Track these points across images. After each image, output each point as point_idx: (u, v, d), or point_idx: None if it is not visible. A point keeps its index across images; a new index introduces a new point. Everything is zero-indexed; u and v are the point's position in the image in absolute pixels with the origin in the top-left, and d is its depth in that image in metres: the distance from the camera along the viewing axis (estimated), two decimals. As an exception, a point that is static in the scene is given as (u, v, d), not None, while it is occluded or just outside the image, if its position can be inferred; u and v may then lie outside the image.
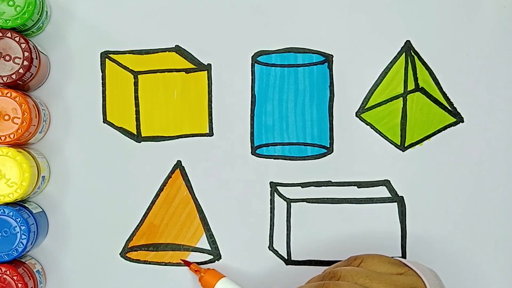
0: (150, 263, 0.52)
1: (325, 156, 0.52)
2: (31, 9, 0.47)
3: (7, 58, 0.47)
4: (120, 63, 0.52)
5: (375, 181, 0.52)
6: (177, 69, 0.52)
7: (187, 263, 0.51)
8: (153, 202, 0.52)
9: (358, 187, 0.52)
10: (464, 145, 0.52)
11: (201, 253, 0.52)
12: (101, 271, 0.51)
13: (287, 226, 0.52)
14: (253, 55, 0.52)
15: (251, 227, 0.52)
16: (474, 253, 0.52)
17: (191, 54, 0.52)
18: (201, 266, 0.51)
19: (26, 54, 0.47)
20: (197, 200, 0.52)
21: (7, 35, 0.47)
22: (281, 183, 0.52)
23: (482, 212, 0.52)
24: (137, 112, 0.52)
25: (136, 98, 0.52)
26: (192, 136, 0.52)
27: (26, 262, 0.49)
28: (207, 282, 0.48)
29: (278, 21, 0.52)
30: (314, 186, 0.52)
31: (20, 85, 0.48)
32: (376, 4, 0.52)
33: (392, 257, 0.45)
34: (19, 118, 0.47)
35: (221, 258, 0.52)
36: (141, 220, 0.52)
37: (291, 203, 0.52)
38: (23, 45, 0.47)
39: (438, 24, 0.52)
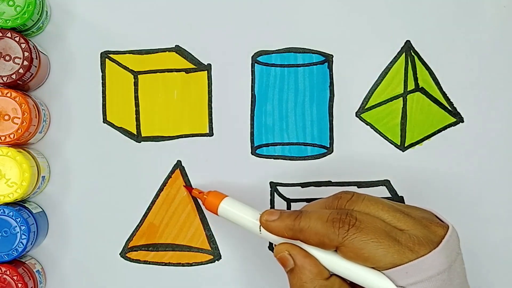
0: (150, 263, 0.52)
1: (325, 156, 0.52)
2: (31, 9, 0.47)
3: (7, 58, 0.47)
4: (120, 63, 0.52)
5: (375, 181, 0.52)
6: (177, 69, 0.52)
7: (188, 189, 0.50)
8: (153, 202, 0.52)
9: (358, 187, 0.52)
10: (464, 145, 0.52)
11: (201, 253, 0.52)
12: (101, 271, 0.51)
13: (287, 226, 0.52)
14: (253, 55, 0.52)
15: (251, 227, 0.52)
16: (474, 253, 0.52)
17: (191, 54, 0.52)
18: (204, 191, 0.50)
19: (26, 54, 0.47)
20: (197, 200, 0.52)
21: (7, 35, 0.47)
22: (281, 183, 0.52)
23: (482, 212, 0.52)
24: (137, 112, 0.52)
25: (136, 98, 0.52)
26: (192, 136, 0.52)
27: (26, 262, 0.49)
28: (211, 203, 0.47)
29: (278, 21, 0.52)
30: (314, 186, 0.52)
31: (20, 85, 0.48)
32: (376, 4, 0.52)
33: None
34: (19, 118, 0.47)
35: (221, 258, 0.52)
36: (141, 220, 0.52)
37: (291, 203, 0.52)
38: (23, 45, 0.47)
39: (438, 24, 0.52)
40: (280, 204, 0.52)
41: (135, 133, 0.52)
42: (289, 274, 0.43)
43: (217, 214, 0.47)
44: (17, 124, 0.47)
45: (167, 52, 0.52)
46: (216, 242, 0.52)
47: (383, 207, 0.41)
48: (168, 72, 0.52)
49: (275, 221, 0.43)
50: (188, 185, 0.52)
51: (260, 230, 0.44)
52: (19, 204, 0.49)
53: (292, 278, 0.42)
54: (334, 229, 0.40)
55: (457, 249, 0.41)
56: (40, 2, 0.48)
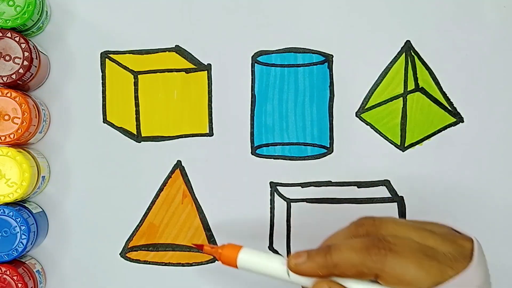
0: (150, 263, 0.52)
1: (325, 156, 0.52)
2: (31, 9, 0.47)
3: (7, 58, 0.47)
4: (120, 63, 0.52)
5: (375, 181, 0.52)
6: (177, 69, 0.52)
7: (199, 246, 0.48)
8: (153, 202, 0.52)
9: (358, 187, 0.52)
10: (464, 145, 0.52)
11: (201, 253, 0.52)
12: (101, 271, 0.51)
13: (287, 226, 0.52)
14: (253, 55, 0.52)
15: (251, 227, 0.52)
16: (474, 253, 0.52)
17: (191, 54, 0.52)
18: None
19: (26, 54, 0.47)
20: (197, 200, 0.52)
21: (7, 35, 0.47)
22: (281, 183, 0.52)
23: (482, 212, 0.52)
24: (137, 112, 0.52)
25: (136, 98, 0.52)
26: (192, 136, 0.52)
27: (26, 262, 0.49)
28: (227, 257, 0.43)
29: (278, 21, 0.52)
30: (314, 186, 0.52)
31: (20, 85, 0.48)
32: (376, 4, 0.52)
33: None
34: (19, 118, 0.47)
35: (221, 258, 0.52)
36: (141, 220, 0.52)
37: (291, 203, 0.52)
38: (23, 45, 0.47)
39: (438, 24, 0.52)
40: (280, 204, 0.52)
41: (135, 133, 0.52)
42: None
43: (236, 267, 0.43)
44: (17, 124, 0.47)
45: (167, 52, 0.52)
46: (216, 242, 0.52)
47: (408, 227, 0.40)
48: (168, 72, 0.52)
49: (305, 263, 0.41)
50: (190, 191, 0.52)
51: (289, 275, 0.42)
52: (19, 204, 0.49)
53: None
54: (371, 256, 0.38)
55: (485, 258, 0.40)
56: (40, 2, 0.48)
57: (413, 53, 0.52)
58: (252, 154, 0.52)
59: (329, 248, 0.40)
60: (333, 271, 0.40)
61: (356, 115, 0.52)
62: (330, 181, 0.52)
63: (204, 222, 0.52)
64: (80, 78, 0.51)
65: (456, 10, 0.52)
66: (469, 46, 0.52)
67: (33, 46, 0.48)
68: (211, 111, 0.52)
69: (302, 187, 0.52)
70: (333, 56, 0.52)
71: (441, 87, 0.52)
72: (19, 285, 0.47)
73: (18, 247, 0.47)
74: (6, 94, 0.47)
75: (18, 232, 0.47)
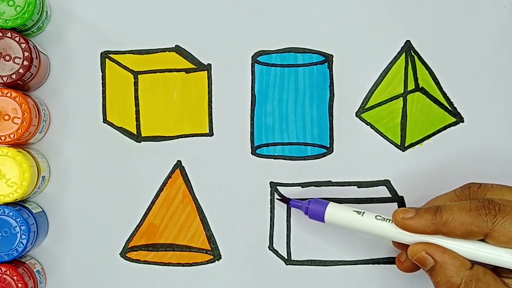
0: (150, 263, 0.52)
1: (325, 156, 0.52)
2: (31, 9, 0.47)
3: (7, 58, 0.47)
4: (120, 63, 0.52)
5: (375, 181, 0.52)
6: (177, 69, 0.52)
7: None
8: (153, 202, 0.52)
9: (358, 187, 0.52)
10: (464, 145, 0.52)
11: (201, 253, 0.52)
12: (101, 271, 0.51)
13: (287, 226, 0.52)
14: (253, 55, 0.52)
15: (251, 227, 0.52)
16: (474, 253, 0.52)
17: (191, 54, 0.52)
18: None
19: (26, 54, 0.47)
20: (197, 200, 0.52)
21: (7, 35, 0.47)
22: (281, 183, 0.52)
23: (482, 212, 0.52)
24: (137, 112, 0.52)
25: (136, 98, 0.52)
26: (192, 136, 0.52)
27: (26, 262, 0.49)
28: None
29: (278, 21, 0.52)
30: (314, 186, 0.52)
31: (20, 85, 0.48)
32: (376, 4, 0.52)
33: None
34: (19, 118, 0.47)
35: (221, 258, 0.52)
36: (141, 220, 0.52)
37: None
38: (23, 45, 0.47)
39: (438, 24, 0.52)
40: (280, 204, 0.52)
41: (135, 133, 0.52)
42: (430, 273, 0.43)
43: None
44: (17, 124, 0.47)
45: (167, 52, 0.52)
46: (216, 242, 0.52)
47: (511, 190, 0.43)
48: (168, 72, 0.52)
49: (413, 218, 0.43)
50: (190, 191, 0.52)
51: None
52: (19, 204, 0.49)
53: (435, 275, 0.42)
54: (482, 216, 0.41)
55: None
56: (40, 2, 0.48)
57: (413, 53, 0.52)
58: (252, 154, 0.52)
59: (438, 207, 0.43)
60: (441, 228, 0.42)
61: (356, 115, 0.52)
62: (330, 181, 0.52)
63: (204, 222, 0.52)
64: (80, 78, 0.52)
65: (456, 10, 0.52)
66: (469, 46, 0.52)
67: (33, 46, 0.48)
68: (211, 111, 0.52)
69: (302, 187, 0.52)
70: (333, 56, 0.52)
71: (441, 87, 0.52)
72: (19, 285, 0.47)
73: (18, 247, 0.47)
74: (6, 94, 0.47)
75: (18, 232, 0.47)
